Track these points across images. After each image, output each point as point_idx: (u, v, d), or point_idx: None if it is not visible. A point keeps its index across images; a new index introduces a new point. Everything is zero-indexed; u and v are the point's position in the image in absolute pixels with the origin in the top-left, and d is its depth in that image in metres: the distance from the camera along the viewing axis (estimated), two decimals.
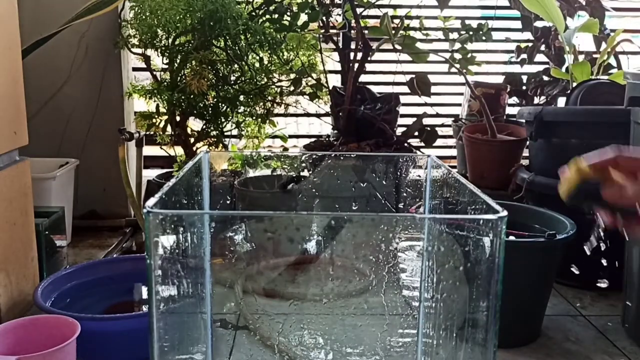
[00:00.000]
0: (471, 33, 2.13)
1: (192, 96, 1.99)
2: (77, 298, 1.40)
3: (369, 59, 2.08)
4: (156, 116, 2.13)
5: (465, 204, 0.59)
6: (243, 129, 2.19)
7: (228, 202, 0.78)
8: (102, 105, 2.23)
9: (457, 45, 2.16)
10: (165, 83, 2.06)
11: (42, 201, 1.78)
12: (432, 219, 0.49)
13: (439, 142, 2.31)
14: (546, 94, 2.44)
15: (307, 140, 2.32)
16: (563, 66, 2.44)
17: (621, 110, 1.51)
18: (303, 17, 2.00)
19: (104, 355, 1.22)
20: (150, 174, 2.31)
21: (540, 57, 2.53)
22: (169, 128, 2.13)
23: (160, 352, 0.51)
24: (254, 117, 2.16)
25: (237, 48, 2.06)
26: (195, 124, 2.17)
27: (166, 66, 2.08)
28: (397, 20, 2.13)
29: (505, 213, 0.38)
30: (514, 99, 2.57)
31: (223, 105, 2.09)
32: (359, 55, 2.06)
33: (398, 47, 2.07)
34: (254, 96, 2.11)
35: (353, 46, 2.15)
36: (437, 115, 2.49)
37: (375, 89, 2.37)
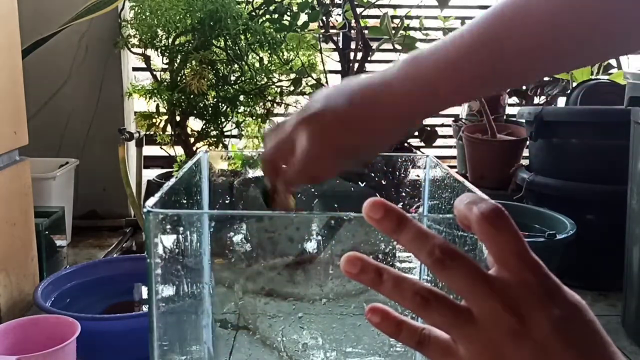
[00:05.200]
0: None
1: (192, 96, 1.99)
2: (77, 298, 1.40)
3: (369, 59, 2.08)
4: (156, 116, 2.13)
5: None
6: (243, 129, 2.19)
7: (228, 202, 0.78)
8: (102, 105, 2.23)
9: None
10: (165, 83, 2.06)
11: (42, 201, 1.78)
12: (431, 219, 0.50)
13: (439, 142, 2.31)
14: (546, 94, 2.44)
15: None
16: None
17: (621, 110, 1.51)
18: (303, 17, 2.00)
19: (104, 355, 1.22)
20: (150, 174, 2.32)
21: None
22: (169, 128, 2.13)
23: (160, 352, 0.51)
24: (254, 117, 2.16)
25: (237, 48, 2.06)
26: (195, 124, 2.17)
27: (166, 66, 2.08)
28: (397, 20, 2.13)
29: None
30: (514, 99, 2.57)
31: (223, 105, 2.09)
32: (359, 55, 2.06)
33: (398, 47, 2.07)
34: (254, 96, 2.11)
35: (353, 46, 2.15)
36: (437, 115, 2.49)
37: None
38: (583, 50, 0.49)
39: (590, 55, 0.51)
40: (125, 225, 2.22)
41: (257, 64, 2.13)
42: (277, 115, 2.26)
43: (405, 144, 2.11)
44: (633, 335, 1.46)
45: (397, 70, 0.53)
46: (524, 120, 1.97)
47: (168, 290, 0.53)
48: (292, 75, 2.14)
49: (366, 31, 2.08)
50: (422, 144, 2.22)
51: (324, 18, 2.12)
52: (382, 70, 0.54)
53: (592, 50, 0.50)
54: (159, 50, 2.06)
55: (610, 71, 2.35)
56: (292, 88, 2.14)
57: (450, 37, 0.51)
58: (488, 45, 0.49)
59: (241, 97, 2.10)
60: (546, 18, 0.47)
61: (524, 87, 2.54)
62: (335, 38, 2.23)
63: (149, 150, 2.37)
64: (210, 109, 2.09)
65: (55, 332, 1.12)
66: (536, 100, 2.50)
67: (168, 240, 0.50)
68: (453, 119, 2.57)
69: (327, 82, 2.17)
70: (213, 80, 2.04)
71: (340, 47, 2.25)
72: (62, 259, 1.70)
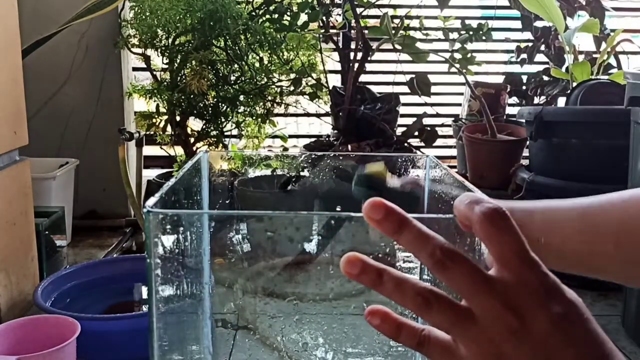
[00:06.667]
0: (471, 33, 2.13)
1: (192, 96, 1.99)
2: (77, 298, 1.40)
3: (369, 59, 2.08)
4: (156, 116, 2.13)
5: None
6: (243, 129, 2.19)
7: (228, 202, 0.78)
8: (102, 105, 2.23)
9: (457, 45, 2.16)
10: (165, 83, 2.06)
11: (42, 201, 1.78)
12: (431, 219, 0.50)
13: (439, 142, 2.31)
14: (546, 94, 2.44)
15: (307, 140, 2.32)
16: (563, 66, 2.45)
17: (621, 110, 1.51)
18: (303, 17, 2.00)
19: (104, 355, 1.22)
20: (150, 174, 2.32)
21: (540, 57, 2.53)
22: (169, 128, 2.13)
23: (160, 352, 0.51)
24: (254, 117, 2.16)
25: (237, 48, 2.06)
26: (195, 124, 2.17)
27: (166, 66, 2.08)
28: (397, 20, 2.13)
29: None
30: (514, 99, 2.57)
31: (223, 105, 2.09)
32: (359, 55, 2.06)
33: (398, 47, 2.07)
34: (254, 96, 2.11)
35: (353, 46, 2.15)
36: (437, 115, 2.49)
37: (375, 89, 2.37)
38: None
39: None
40: (125, 225, 2.22)
41: (257, 64, 2.13)
42: (277, 115, 2.26)
43: (406, 144, 2.12)
44: (633, 335, 1.46)
45: None
46: (524, 120, 1.98)
47: (168, 290, 0.53)
48: (292, 75, 2.14)
49: (366, 31, 2.08)
50: (422, 144, 2.22)
51: (324, 18, 2.12)
52: None
53: None
54: (159, 50, 2.06)
55: (610, 71, 2.35)
56: (292, 88, 2.14)
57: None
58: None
59: (241, 97, 2.10)
60: None
61: (524, 87, 2.54)
62: (335, 38, 2.23)
63: (149, 150, 2.37)
64: (210, 109, 2.09)
65: (55, 332, 1.12)
66: (536, 100, 2.50)
67: (168, 240, 0.50)
68: (453, 119, 2.57)
69: (327, 82, 2.17)
70: (213, 80, 2.04)
71: (340, 47, 2.25)
72: (62, 259, 1.70)
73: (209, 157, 0.72)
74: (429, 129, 2.18)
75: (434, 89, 2.21)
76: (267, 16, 2.05)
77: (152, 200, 0.47)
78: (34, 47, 1.84)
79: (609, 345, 0.36)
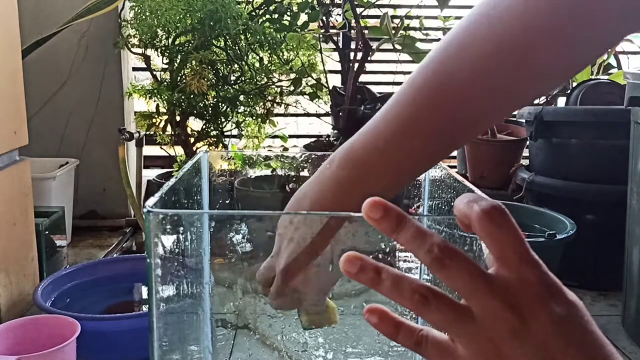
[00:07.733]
0: None
1: (192, 96, 1.99)
2: (77, 298, 1.40)
3: (369, 59, 2.08)
4: (156, 116, 2.13)
5: None
6: (243, 129, 2.19)
7: (228, 202, 0.78)
8: (102, 105, 2.23)
9: None
10: (165, 83, 2.06)
11: (42, 201, 1.78)
12: (431, 219, 0.50)
13: None
14: (546, 94, 2.44)
15: (307, 140, 2.32)
16: None
17: (621, 110, 1.51)
18: (303, 17, 2.00)
19: (104, 355, 1.22)
20: (150, 174, 2.32)
21: None
22: (169, 128, 2.13)
23: (160, 352, 0.51)
24: (254, 117, 2.16)
25: (237, 48, 2.06)
26: (195, 124, 2.17)
27: (166, 66, 2.08)
28: (397, 20, 2.13)
29: None
30: None
31: (223, 105, 2.09)
32: (359, 55, 2.06)
33: (398, 47, 2.07)
34: (254, 96, 2.11)
35: (353, 46, 2.15)
36: None
37: (375, 89, 2.37)
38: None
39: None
40: (125, 225, 2.22)
41: (257, 64, 2.13)
42: (277, 115, 2.26)
43: None
44: (633, 335, 1.46)
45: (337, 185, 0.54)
46: (524, 120, 1.97)
47: (168, 290, 0.53)
48: (292, 75, 2.14)
49: (366, 31, 2.08)
50: None
51: (324, 18, 2.12)
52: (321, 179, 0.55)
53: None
54: (159, 50, 2.06)
55: (610, 71, 2.35)
56: (292, 88, 2.14)
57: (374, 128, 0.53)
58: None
59: (241, 97, 2.10)
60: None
61: None
62: (335, 38, 2.23)
63: (149, 150, 2.37)
64: (210, 109, 2.09)
65: (55, 332, 1.12)
66: (536, 100, 2.50)
67: (168, 240, 0.50)
68: None
69: (327, 82, 2.17)
70: (213, 80, 2.04)
71: (340, 47, 2.25)
72: (62, 259, 1.71)
73: (209, 157, 0.72)
74: None
75: None
76: (267, 16, 2.04)
77: (152, 200, 0.47)
78: (34, 47, 1.84)
79: (609, 347, 0.36)
